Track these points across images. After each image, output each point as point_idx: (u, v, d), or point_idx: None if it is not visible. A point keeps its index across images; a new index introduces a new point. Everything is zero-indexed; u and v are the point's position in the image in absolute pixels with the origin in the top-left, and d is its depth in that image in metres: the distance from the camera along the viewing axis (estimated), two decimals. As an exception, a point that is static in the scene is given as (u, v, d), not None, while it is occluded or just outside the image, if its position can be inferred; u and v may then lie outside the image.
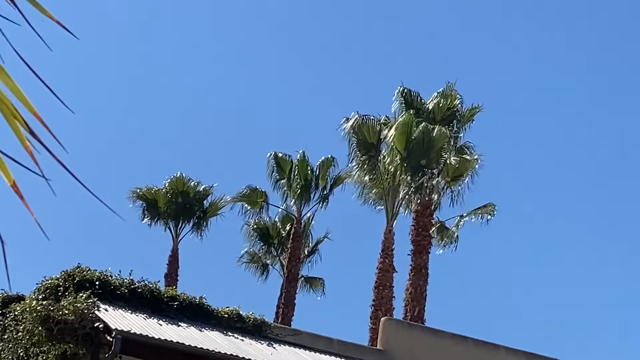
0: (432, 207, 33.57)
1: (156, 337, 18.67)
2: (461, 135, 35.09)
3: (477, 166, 34.02)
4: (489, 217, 34.54)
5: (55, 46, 3.08)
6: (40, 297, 19.53)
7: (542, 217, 54.66)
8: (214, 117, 55.94)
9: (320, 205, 39.17)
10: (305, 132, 55.28)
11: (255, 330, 22.09)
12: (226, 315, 21.85)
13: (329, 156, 39.22)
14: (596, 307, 52.58)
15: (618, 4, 53.73)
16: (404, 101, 34.83)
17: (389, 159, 33.32)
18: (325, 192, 39.15)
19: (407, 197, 33.19)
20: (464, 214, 34.86)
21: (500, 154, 52.33)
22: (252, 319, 22.21)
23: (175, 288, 27.25)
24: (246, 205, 39.98)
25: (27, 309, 18.94)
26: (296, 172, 38.98)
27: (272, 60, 56.38)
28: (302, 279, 39.70)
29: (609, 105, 55.25)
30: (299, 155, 39.23)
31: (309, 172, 39.00)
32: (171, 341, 18.75)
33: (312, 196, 39.16)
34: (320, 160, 39.30)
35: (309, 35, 56.74)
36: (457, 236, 35.11)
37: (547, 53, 55.29)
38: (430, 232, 33.30)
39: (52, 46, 3.07)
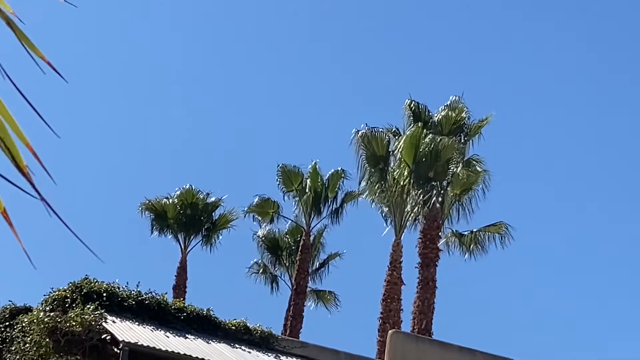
0: (440, 220, 33.53)
1: (163, 348, 18.72)
2: (469, 147, 35.08)
3: (485, 179, 34.04)
4: (499, 234, 34.44)
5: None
6: (47, 308, 19.59)
7: (550, 232, 54.59)
8: (225, 129, 56.06)
9: (332, 220, 39.16)
10: (316, 144, 55.38)
11: (263, 342, 22.13)
12: (233, 327, 21.89)
13: (339, 169, 39.18)
14: (606, 322, 52.44)
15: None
16: (412, 114, 34.87)
17: (397, 172, 33.34)
18: (335, 206, 39.09)
19: (415, 209, 33.17)
20: (475, 230, 34.77)
21: (509, 166, 52.24)
22: (259, 331, 22.25)
23: (183, 300, 27.30)
24: (257, 215, 39.95)
25: (35, 321, 19.01)
26: (307, 183, 38.93)
27: (283, 73, 56.52)
28: (311, 291, 39.63)
29: (620, 110, 55.22)
30: (310, 167, 39.15)
31: (320, 184, 38.93)
32: (178, 353, 18.79)
33: (322, 208, 39.10)
34: (330, 172, 39.27)
35: (318, 48, 56.86)
36: (473, 247, 34.81)
37: (556, 61, 55.29)
38: (438, 245, 33.26)
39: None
